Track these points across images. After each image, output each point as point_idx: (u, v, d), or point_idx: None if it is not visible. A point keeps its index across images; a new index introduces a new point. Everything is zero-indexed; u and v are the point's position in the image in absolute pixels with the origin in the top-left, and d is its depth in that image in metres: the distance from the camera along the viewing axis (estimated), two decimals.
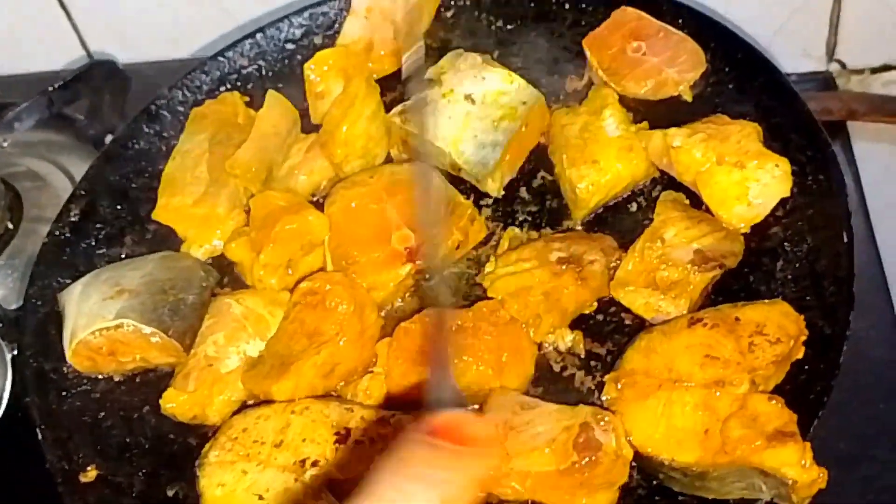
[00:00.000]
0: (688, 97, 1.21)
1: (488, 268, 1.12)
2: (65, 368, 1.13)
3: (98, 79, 1.54)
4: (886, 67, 1.55)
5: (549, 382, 1.06)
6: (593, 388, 1.04)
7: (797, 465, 0.88)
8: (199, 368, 1.07)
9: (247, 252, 1.16)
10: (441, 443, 0.52)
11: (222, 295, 1.15)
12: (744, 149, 1.09)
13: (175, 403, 1.07)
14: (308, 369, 1.04)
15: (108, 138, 1.51)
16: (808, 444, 0.90)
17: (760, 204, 1.08)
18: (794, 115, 1.16)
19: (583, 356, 1.07)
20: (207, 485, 0.98)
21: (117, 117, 1.54)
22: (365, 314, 1.08)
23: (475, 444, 0.53)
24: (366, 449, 0.98)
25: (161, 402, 1.07)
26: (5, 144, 1.56)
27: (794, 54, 1.51)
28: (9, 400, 1.22)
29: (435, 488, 0.49)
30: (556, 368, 1.07)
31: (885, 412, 1.15)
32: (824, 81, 1.54)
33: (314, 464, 0.97)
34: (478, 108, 1.21)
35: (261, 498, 0.96)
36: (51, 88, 1.51)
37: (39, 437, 1.08)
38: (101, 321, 1.08)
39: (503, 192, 1.21)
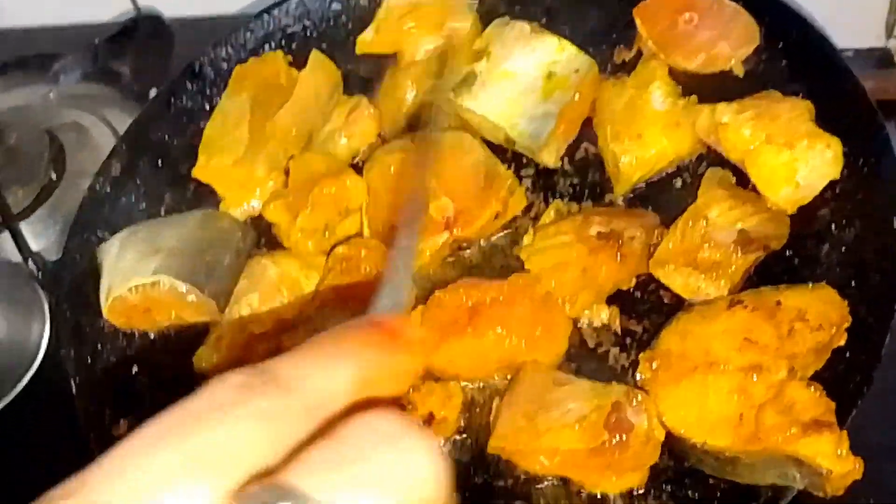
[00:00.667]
0: (739, 72, 1.18)
1: (526, 240, 1.10)
2: (100, 323, 1.14)
3: (144, 33, 1.55)
4: None
5: (583, 358, 1.04)
6: (627, 365, 1.03)
7: (832, 454, 0.86)
8: (232, 328, 1.07)
9: (285, 214, 1.15)
10: (376, 330, 0.53)
11: (258, 256, 1.14)
12: (794, 128, 1.06)
13: (208, 363, 1.07)
14: None
15: (153, 93, 1.52)
16: (845, 434, 0.88)
17: (808, 186, 1.05)
18: (848, 96, 1.11)
19: (618, 333, 1.05)
20: None
21: (162, 72, 1.54)
22: None
23: (408, 343, 0.54)
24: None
25: (194, 360, 1.08)
26: (51, 96, 1.57)
27: (852, 30, 1.46)
28: (46, 350, 1.25)
29: (356, 364, 0.50)
30: (591, 344, 1.05)
31: None
32: (882, 59, 1.49)
33: None
34: (529, 79, 1.18)
35: None
36: (96, 41, 1.52)
37: (73, 390, 1.09)
38: (137, 278, 1.08)
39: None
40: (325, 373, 0.52)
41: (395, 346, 0.56)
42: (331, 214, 1.14)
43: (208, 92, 1.33)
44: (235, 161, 1.19)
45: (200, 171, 1.22)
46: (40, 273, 1.30)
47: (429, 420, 0.98)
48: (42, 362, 1.25)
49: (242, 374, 0.50)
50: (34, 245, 1.36)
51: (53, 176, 1.44)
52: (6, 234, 1.36)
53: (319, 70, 1.26)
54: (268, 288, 1.09)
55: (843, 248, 1.04)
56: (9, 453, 1.21)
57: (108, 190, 1.25)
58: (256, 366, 0.51)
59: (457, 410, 1.00)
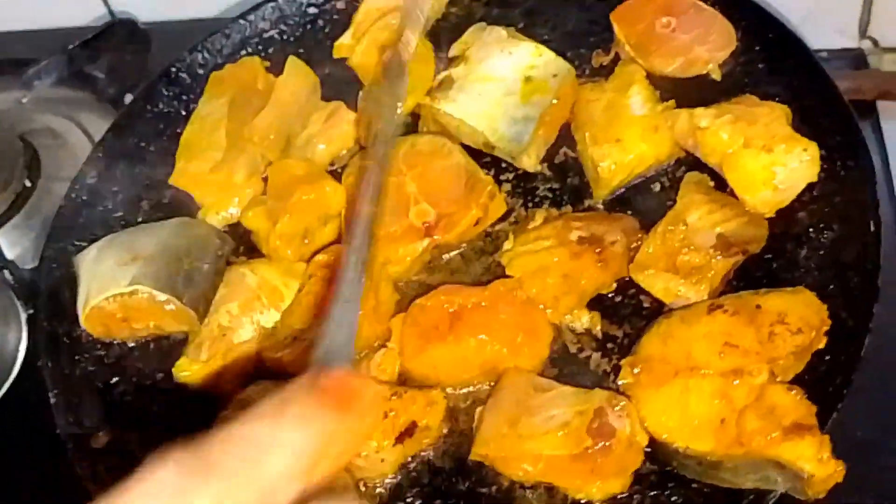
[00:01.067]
0: (717, 76, 1.19)
1: (506, 245, 1.10)
2: (78, 332, 1.13)
3: (119, 38, 1.54)
4: None
5: (565, 363, 1.04)
6: (609, 370, 1.03)
7: (814, 459, 0.87)
8: (212, 338, 1.07)
9: (263, 221, 1.15)
10: (327, 392, 0.52)
11: (237, 264, 1.14)
12: (772, 132, 1.07)
13: (188, 372, 1.06)
14: None
15: (128, 98, 1.50)
16: (827, 438, 0.88)
17: (787, 189, 1.06)
18: (825, 98, 1.13)
19: (599, 338, 1.06)
20: None
21: (137, 77, 1.53)
22: (380, 288, 1.07)
23: (359, 405, 0.53)
24: (378, 423, 0.97)
25: (174, 370, 1.07)
26: (24, 101, 1.56)
27: (827, 31, 1.47)
28: (23, 360, 1.23)
29: (308, 432, 0.49)
30: (573, 349, 1.05)
31: None
32: (856, 59, 1.50)
33: None
34: (507, 83, 1.18)
35: None
36: (71, 46, 1.50)
37: (51, 401, 1.08)
38: (115, 287, 1.07)
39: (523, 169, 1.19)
40: (270, 455, 0.50)
41: (345, 411, 0.54)
42: (310, 221, 1.13)
43: (185, 97, 1.32)
44: (213, 167, 1.19)
45: (178, 178, 1.21)
46: (15, 282, 1.30)
47: (411, 428, 0.98)
48: (19, 372, 1.23)
49: (177, 464, 0.48)
50: (9, 253, 1.35)
51: (28, 182, 1.42)
52: None
53: (297, 75, 1.25)
54: (247, 296, 1.09)
55: (822, 251, 1.05)
56: None
57: (85, 197, 1.24)
58: (192, 448, 0.49)
59: (439, 418, 0.99)
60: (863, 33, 1.51)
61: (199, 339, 1.07)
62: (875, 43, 1.51)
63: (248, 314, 1.08)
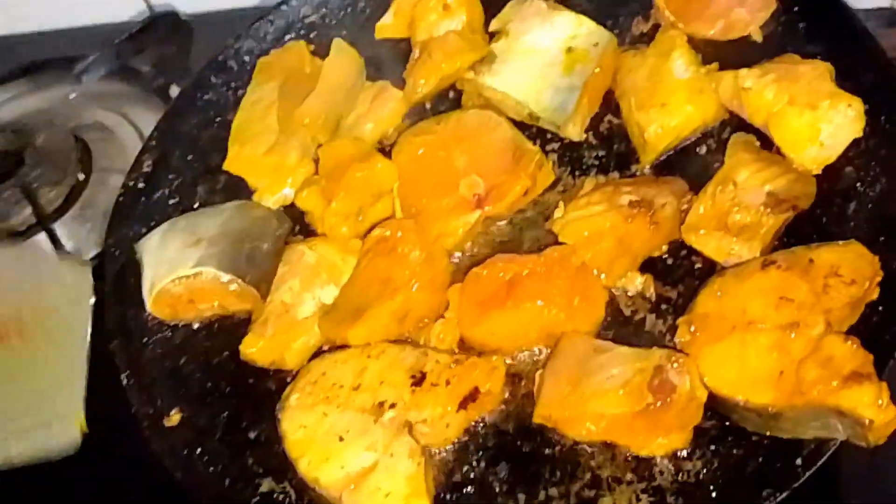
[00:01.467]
0: (758, 37, 1.20)
1: (557, 213, 1.12)
2: (145, 316, 1.16)
3: (162, 31, 1.57)
4: None
5: (620, 326, 1.07)
6: (664, 331, 1.05)
7: (873, 405, 0.88)
8: (275, 315, 1.10)
9: (318, 201, 1.18)
10: None
11: (295, 243, 1.17)
12: (815, 89, 1.08)
13: (255, 349, 1.09)
14: (382, 315, 1.06)
15: (174, 89, 1.54)
16: (885, 385, 0.90)
17: (832, 145, 1.07)
18: (866, 55, 1.14)
19: (653, 299, 1.07)
20: (289, 427, 1.01)
21: (182, 68, 1.56)
22: (436, 260, 1.10)
23: None
24: (441, 390, 1.00)
25: (241, 348, 1.10)
26: (73, 97, 1.60)
27: None
28: (91, 346, 1.27)
29: None
30: (627, 312, 1.07)
31: None
32: (889, 18, 1.50)
33: (392, 406, 1.00)
34: (549, 54, 1.20)
35: (341, 439, 0.99)
36: (117, 41, 1.54)
37: (124, 383, 1.11)
38: (180, 269, 1.10)
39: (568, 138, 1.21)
40: None
41: None
42: (363, 198, 1.16)
43: (233, 84, 1.35)
44: (266, 150, 1.22)
45: (231, 163, 1.24)
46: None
47: (474, 394, 1.00)
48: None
49: None
50: (67, 244, 1.39)
51: (81, 176, 1.46)
52: (41, 235, 1.39)
53: (343, 57, 1.28)
54: (307, 273, 1.12)
55: (870, 205, 1.06)
56: None
57: (142, 185, 1.27)
58: None
59: (501, 382, 1.02)
60: None
61: (264, 317, 1.10)
62: None
63: (309, 290, 1.11)
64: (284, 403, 1.03)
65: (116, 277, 1.20)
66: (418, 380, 1.01)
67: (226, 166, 1.24)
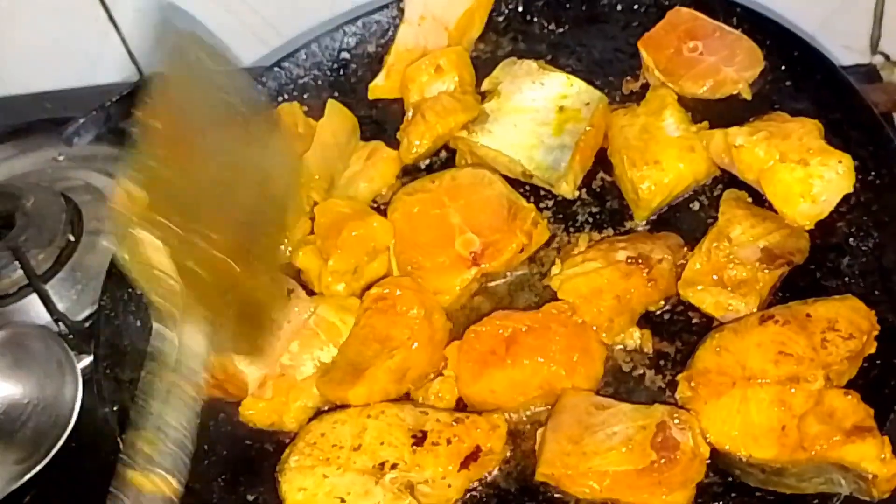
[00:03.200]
0: (747, 95, 1.22)
1: (554, 270, 1.13)
2: (142, 376, 1.15)
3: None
4: None
5: (620, 382, 1.07)
6: (664, 386, 1.05)
7: (877, 459, 0.89)
8: (274, 376, 1.09)
9: (314, 260, 1.18)
10: None
11: (295, 299, 1.16)
12: (806, 146, 1.10)
13: (254, 410, 1.09)
14: (382, 374, 1.06)
15: None
16: (887, 438, 0.90)
17: (825, 201, 1.09)
18: (853, 110, 1.16)
19: (651, 355, 1.08)
20: (289, 489, 1.00)
21: None
22: (434, 318, 1.10)
23: None
24: (443, 450, 0.99)
25: (240, 409, 1.09)
26: (61, 158, 1.60)
27: (838, 47, 1.51)
28: (80, 410, 1.25)
29: None
30: (626, 368, 1.08)
31: None
32: (868, 74, 1.53)
33: (393, 466, 0.99)
34: (540, 113, 1.22)
35: (342, 501, 0.98)
36: (107, 103, 1.54)
37: (121, 445, 1.10)
38: None
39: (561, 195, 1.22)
40: None
41: None
42: (359, 256, 1.16)
43: None
44: None
45: None
46: (70, 334, 1.32)
47: (475, 453, 1.00)
48: (77, 423, 1.25)
49: None
50: (58, 306, 1.38)
51: (71, 237, 1.45)
52: (31, 297, 1.38)
53: (336, 117, 1.29)
54: (307, 334, 1.11)
55: (864, 258, 1.07)
56: None
57: None
58: None
59: (502, 441, 1.01)
60: (874, 48, 1.55)
61: (264, 378, 1.09)
62: (887, 57, 1.55)
63: (308, 351, 1.11)
64: (283, 465, 1.02)
65: (110, 339, 1.19)
66: (419, 439, 1.00)
67: None
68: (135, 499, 0.88)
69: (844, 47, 1.53)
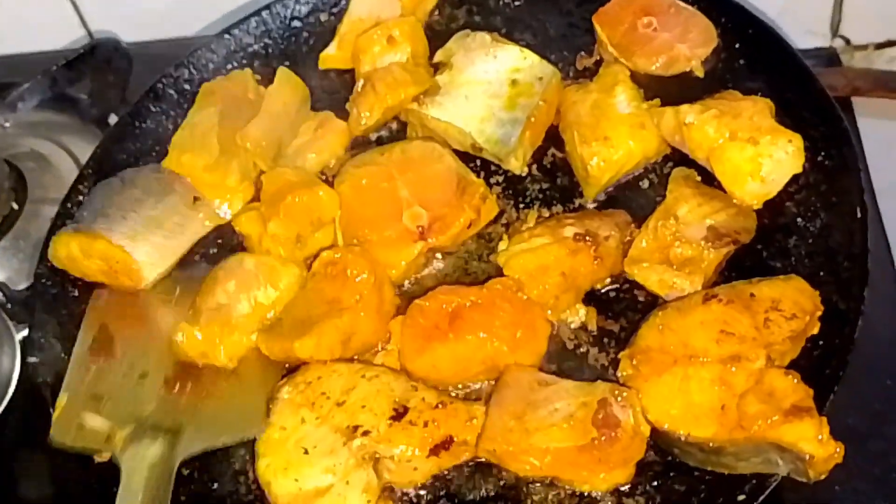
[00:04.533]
0: (699, 73, 1.21)
1: (501, 246, 1.11)
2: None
3: (101, 58, 1.53)
4: (890, 43, 1.55)
5: (563, 359, 1.06)
6: (607, 364, 1.05)
7: (814, 439, 0.88)
8: (208, 309, 1.08)
9: (256, 225, 1.16)
10: None
11: (235, 254, 1.15)
12: (756, 125, 1.09)
13: (188, 336, 1.08)
14: (329, 330, 1.04)
15: (112, 118, 1.51)
16: (825, 419, 0.90)
17: (773, 180, 1.08)
18: (806, 90, 1.16)
19: (595, 333, 1.07)
20: (274, 422, 1.01)
21: (120, 97, 1.53)
22: (384, 289, 1.09)
23: None
24: (417, 431, 0.98)
25: (173, 337, 1.08)
26: (7, 125, 1.56)
27: (799, 31, 1.51)
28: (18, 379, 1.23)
29: None
30: (570, 346, 1.07)
31: (893, 389, 1.15)
32: (828, 58, 1.54)
33: (365, 433, 0.98)
34: (493, 86, 1.20)
35: (306, 452, 0.97)
36: (54, 68, 1.50)
37: (53, 417, 1.08)
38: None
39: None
40: None
41: None
42: (303, 224, 1.15)
43: (172, 113, 1.33)
44: (207, 165, 1.20)
45: (170, 163, 1.22)
46: (8, 302, 1.29)
47: (447, 442, 0.98)
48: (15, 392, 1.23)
49: None
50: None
51: (15, 205, 1.42)
52: None
53: (287, 85, 1.27)
54: (244, 276, 1.10)
55: (811, 239, 1.07)
56: None
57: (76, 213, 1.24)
58: None
59: (477, 432, 0.99)
60: (834, 32, 1.55)
61: (196, 309, 1.09)
62: (847, 41, 1.55)
63: (245, 291, 1.10)
64: (276, 395, 1.02)
65: (46, 308, 1.16)
66: (399, 414, 0.99)
67: (165, 164, 1.22)
68: None
69: (806, 31, 1.53)
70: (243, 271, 1.11)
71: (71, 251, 1.15)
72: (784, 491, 0.99)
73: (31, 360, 1.14)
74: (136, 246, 1.15)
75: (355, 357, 1.07)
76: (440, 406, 0.99)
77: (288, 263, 1.12)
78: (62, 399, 1.08)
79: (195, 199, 1.20)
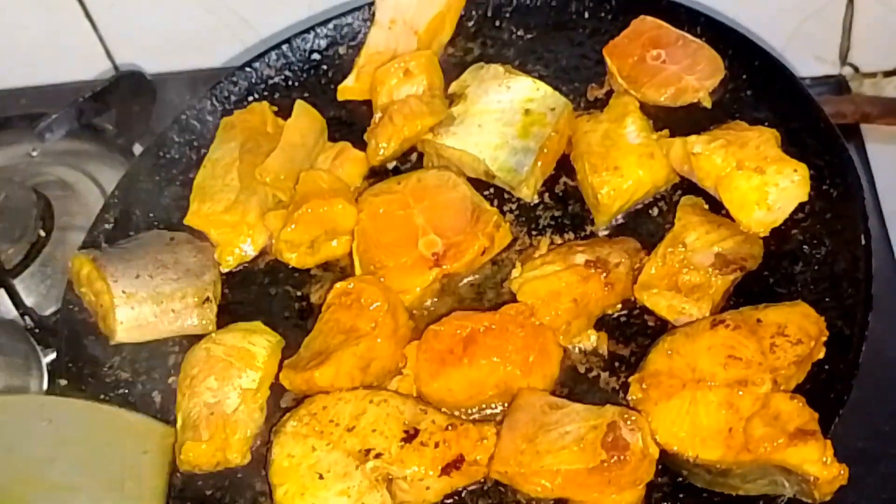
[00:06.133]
0: (707, 104, 1.24)
1: (515, 272, 1.14)
2: (102, 372, 1.17)
3: (126, 89, 1.58)
4: None
5: (575, 383, 1.09)
6: (618, 388, 1.07)
7: (819, 462, 0.91)
8: (204, 417, 1.09)
9: (278, 224, 1.21)
10: None
11: (194, 346, 1.16)
12: (763, 154, 1.12)
13: (195, 454, 1.08)
14: (348, 357, 1.07)
15: (136, 148, 1.56)
16: (829, 442, 0.92)
17: (779, 209, 1.11)
18: (810, 120, 1.18)
19: (606, 357, 1.10)
20: (279, 453, 1.02)
21: (145, 127, 1.58)
22: (398, 314, 1.12)
23: None
24: (428, 451, 1.01)
25: (180, 458, 1.08)
26: (34, 154, 1.60)
27: (808, 58, 1.54)
28: None
29: None
30: (581, 370, 1.09)
31: None
32: (837, 85, 1.56)
33: (378, 455, 1.00)
34: (506, 115, 1.24)
35: (321, 476, 1.00)
36: (80, 99, 1.55)
37: None
38: None
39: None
40: None
41: None
42: (317, 233, 1.19)
43: (195, 143, 1.37)
44: (226, 207, 1.23)
45: (193, 219, 1.25)
46: (35, 327, 1.33)
47: (458, 462, 1.01)
48: None
49: None
50: (26, 301, 1.39)
51: (42, 232, 1.46)
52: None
53: (304, 117, 1.30)
54: (220, 366, 1.12)
55: (816, 266, 1.10)
56: None
57: (103, 241, 1.28)
58: None
59: (489, 452, 1.01)
60: (843, 60, 1.57)
61: (192, 421, 1.09)
62: (856, 69, 1.57)
63: (227, 383, 1.11)
64: (280, 428, 1.04)
65: (72, 334, 1.20)
66: (410, 436, 1.01)
67: (187, 221, 1.25)
68: None
69: (815, 58, 1.55)
70: (216, 361, 1.12)
71: (80, 271, 1.19)
72: None
73: (61, 382, 1.17)
74: (126, 306, 1.16)
75: (373, 384, 1.09)
76: (450, 427, 1.02)
77: (254, 337, 1.14)
78: None
79: (206, 300, 1.20)
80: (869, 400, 1.10)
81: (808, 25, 1.51)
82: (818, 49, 1.54)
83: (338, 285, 1.14)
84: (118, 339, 1.17)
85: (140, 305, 1.17)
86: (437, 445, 1.00)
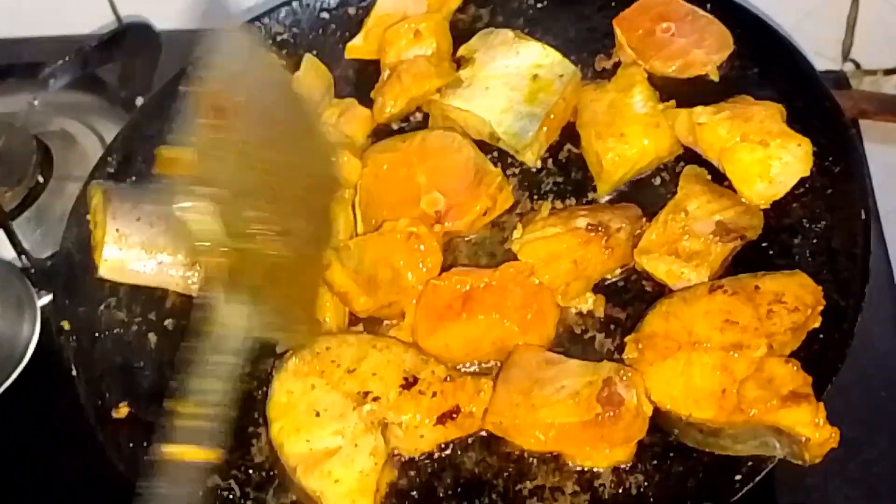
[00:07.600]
0: (714, 77, 1.25)
1: (516, 233, 1.15)
2: (98, 313, 1.17)
3: (132, 42, 1.58)
4: None
5: (571, 344, 1.09)
6: (613, 349, 1.08)
7: (811, 423, 0.92)
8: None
9: None
10: None
11: None
12: (767, 128, 1.13)
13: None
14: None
15: (139, 101, 1.55)
16: (822, 405, 0.93)
17: (781, 182, 1.12)
18: (815, 99, 1.19)
19: (603, 319, 1.10)
20: (278, 388, 1.03)
21: (148, 81, 1.57)
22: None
23: None
24: (425, 400, 1.01)
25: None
26: (36, 103, 1.60)
27: (809, 52, 1.53)
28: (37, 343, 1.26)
29: None
30: (578, 330, 1.10)
31: (887, 400, 1.19)
32: (837, 80, 1.57)
33: (375, 399, 1.01)
34: (514, 79, 1.24)
35: (317, 414, 1.01)
36: (86, 48, 1.54)
37: (74, 374, 1.11)
38: None
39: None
40: None
41: None
42: None
43: None
44: None
45: None
46: (32, 270, 1.33)
47: (453, 412, 1.01)
48: (32, 358, 1.26)
49: None
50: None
51: (41, 179, 1.46)
52: None
53: (312, 72, 1.30)
54: None
55: (815, 240, 1.10)
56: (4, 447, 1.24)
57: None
58: None
59: (484, 405, 1.02)
60: (845, 56, 1.58)
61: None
62: (857, 65, 1.59)
63: None
64: (281, 365, 1.05)
65: (70, 275, 1.20)
66: (408, 384, 1.02)
67: None
68: (174, 471, 0.87)
69: (816, 53, 1.56)
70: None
71: (92, 199, 1.21)
72: (778, 495, 1.06)
73: (63, 323, 1.18)
74: (115, 245, 1.16)
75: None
76: (449, 379, 1.02)
77: None
78: None
79: (196, 262, 1.18)
80: (855, 388, 1.14)
81: (812, 19, 1.52)
82: (820, 44, 1.55)
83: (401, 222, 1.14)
84: (100, 273, 1.17)
85: (129, 249, 1.17)
86: (434, 395, 1.01)
